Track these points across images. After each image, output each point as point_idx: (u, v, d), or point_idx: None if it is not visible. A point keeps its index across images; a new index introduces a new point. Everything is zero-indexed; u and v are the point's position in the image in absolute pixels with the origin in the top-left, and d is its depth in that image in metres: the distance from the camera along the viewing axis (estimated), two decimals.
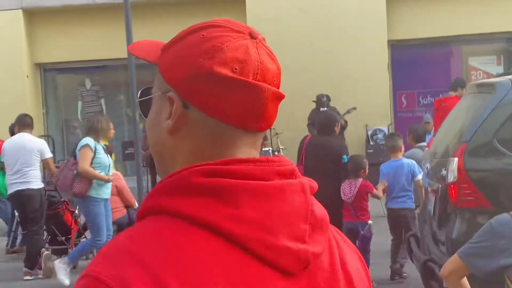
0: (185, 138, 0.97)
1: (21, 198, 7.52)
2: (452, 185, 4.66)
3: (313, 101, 11.56)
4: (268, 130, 6.77)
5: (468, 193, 4.60)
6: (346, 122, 11.49)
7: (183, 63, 0.97)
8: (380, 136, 12.41)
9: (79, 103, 14.13)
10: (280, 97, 1.00)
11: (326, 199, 2.00)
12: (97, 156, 6.82)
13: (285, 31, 12.60)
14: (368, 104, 12.31)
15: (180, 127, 0.97)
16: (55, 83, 14.55)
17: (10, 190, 7.61)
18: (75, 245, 7.84)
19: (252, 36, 0.99)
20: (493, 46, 13.36)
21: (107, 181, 6.92)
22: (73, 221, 8.08)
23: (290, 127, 12.32)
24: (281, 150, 11.71)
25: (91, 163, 6.74)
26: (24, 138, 7.65)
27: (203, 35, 0.97)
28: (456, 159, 4.64)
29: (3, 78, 12.89)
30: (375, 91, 12.43)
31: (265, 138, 11.29)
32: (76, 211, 8.20)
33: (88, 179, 6.72)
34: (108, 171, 6.96)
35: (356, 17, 12.48)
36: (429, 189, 5.40)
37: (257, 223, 0.90)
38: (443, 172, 4.85)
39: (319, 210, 0.98)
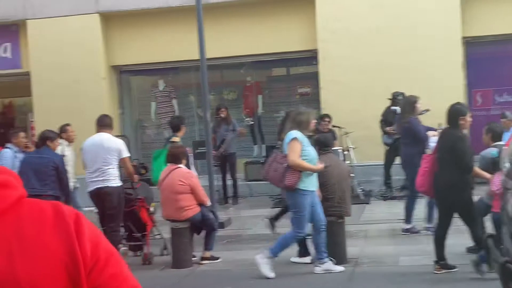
0: None
1: (100, 196, 7.80)
2: None
3: (389, 99, 11.43)
4: (338, 129, 6.82)
5: None
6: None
7: None
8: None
9: (153, 104, 14.48)
10: None
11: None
12: (305, 148, 6.86)
13: (356, 30, 12.51)
14: (442, 102, 11.96)
15: None
16: (130, 85, 14.97)
17: (90, 188, 7.90)
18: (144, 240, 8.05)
19: None
20: None
21: (317, 171, 6.96)
22: (148, 218, 8.31)
23: (360, 126, 12.23)
24: (350, 149, 11.63)
25: (300, 156, 6.79)
26: (103, 137, 7.93)
27: None
28: None
29: (82, 80, 13.37)
30: (449, 89, 12.13)
31: (334, 138, 11.25)
32: (152, 209, 8.42)
33: (298, 172, 6.77)
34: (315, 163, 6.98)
35: (430, 14, 12.24)
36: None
37: None
38: None
39: None
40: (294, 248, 7.69)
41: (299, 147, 6.78)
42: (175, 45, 13.47)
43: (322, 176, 7.34)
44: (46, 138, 8.00)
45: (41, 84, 13.62)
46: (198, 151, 12.05)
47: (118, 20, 13.81)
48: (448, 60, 12.30)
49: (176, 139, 9.05)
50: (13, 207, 1.18)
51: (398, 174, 11.66)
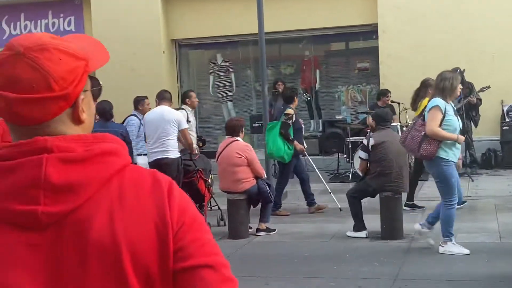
0: None
1: (160, 166, 7.99)
2: None
3: None
4: (397, 105, 6.75)
5: None
6: (480, 100, 11.06)
7: None
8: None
9: (211, 78, 14.65)
10: (36, 99, 1.23)
11: None
12: (447, 118, 6.46)
13: (417, 5, 12.29)
14: (504, 79, 11.78)
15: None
16: (189, 58, 15.16)
17: (150, 159, 8.12)
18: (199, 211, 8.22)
19: (19, 53, 1.24)
20: None
21: (457, 141, 6.52)
22: (206, 189, 8.48)
23: None
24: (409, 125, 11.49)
25: (440, 125, 6.43)
26: (163, 109, 8.12)
27: None
28: None
29: (143, 54, 13.64)
30: (509, 67, 11.83)
31: (393, 113, 11.14)
32: (209, 180, 8.60)
33: (436, 141, 6.44)
34: (458, 133, 6.62)
35: None
36: None
37: None
38: None
39: (68, 178, 1.21)
40: (351, 222, 7.74)
41: (439, 116, 6.39)
42: (233, 19, 13.54)
43: (380, 152, 7.33)
44: (109, 110, 8.24)
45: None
46: (256, 125, 12.16)
47: None
48: (510, 36, 11.95)
49: (290, 111, 9.00)
50: (118, 173, 1.29)
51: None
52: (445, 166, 6.49)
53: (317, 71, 14.19)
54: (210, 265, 1.29)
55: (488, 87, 11.02)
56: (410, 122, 11.39)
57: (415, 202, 8.95)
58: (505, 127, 11.87)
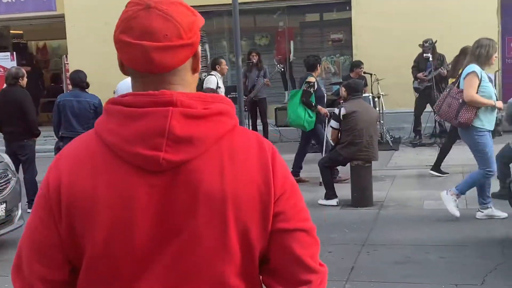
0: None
1: None
2: None
3: (419, 45, 11.37)
4: (370, 76, 6.92)
5: None
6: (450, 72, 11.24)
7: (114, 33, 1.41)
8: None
9: None
10: (172, 47, 1.35)
11: None
12: (483, 84, 6.39)
13: None
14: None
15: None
16: None
17: None
18: None
19: (148, 6, 1.36)
20: None
21: (497, 107, 6.51)
22: None
23: (392, 73, 12.22)
24: (381, 96, 11.67)
25: (477, 92, 6.34)
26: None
27: (123, 11, 1.40)
28: None
29: (114, 22, 13.48)
30: (483, 36, 11.93)
31: (365, 84, 11.28)
32: None
33: (474, 108, 6.36)
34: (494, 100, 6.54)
35: None
36: None
37: (121, 135, 1.34)
38: None
39: (188, 131, 1.34)
40: (323, 190, 7.92)
41: (476, 82, 6.31)
42: None
43: (351, 121, 7.48)
44: (81, 79, 8.22)
45: (75, 26, 13.83)
46: (230, 96, 12.21)
47: None
48: (483, 7, 12.13)
49: (311, 79, 9.01)
50: (229, 132, 1.41)
51: (428, 122, 11.73)
52: (479, 135, 6.44)
53: (291, 42, 14.25)
54: (305, 229, 1.45)
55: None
56: (382, 93, 11.61)
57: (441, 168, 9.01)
58: None
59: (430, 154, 10.70)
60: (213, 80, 8.82)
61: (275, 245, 1.43)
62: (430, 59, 11.17)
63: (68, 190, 1.38)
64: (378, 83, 11.78)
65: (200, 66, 1.46)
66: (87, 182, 1.37)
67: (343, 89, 7.96)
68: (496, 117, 11.60)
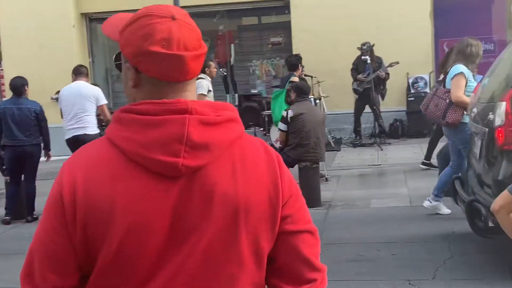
0: (140, 90, 1.45)
1: (78, 143, 7.88)
2: (499, 129, 4.84)
3: (357, 48, 11.64)
4: (310, 78, 7.05)
5: None
6: (388, 74, 11.56)
7: (130, 44, 1.43)
8: (421, 84, 12.47)
9: None
10: (200, 55, 1.44)
11: None
12: (469, 84, 6.38)
13: None
14: (410, 52, 12.33)
15: (137, 84, 1.45)
16: (100, 33, 14.83)
17: (67, 136, 7.98)
18: None
19: (174, 18, 1.41)
20: None
21: None
22: None
23: (331, 75, 12.45)
24: (322, 98, 11.86)
25: (464, 92, 6.34)
26: (80, 85, 7.99)
27: (141, 23, 1.41)
28: (504, 103, 4.80)
29: (51, 28, 13.20)
30: (417, 38, 12.42)
31: None
32: None
33: (461, 109, 6.33)
34: None
35: None
36: (475, 133, 5.56)
37: (139, 142, 1.38)
38: (490, 116, 5.02)
39: (204, 137, 1.39)
40: None
41: (464, 83, 6.32)
42: None
43: (298, 123, 7.58)
44: (22, 86, 8.01)
45: (10, 32, 13.43)
46: None
47: None
48: (417, 10, 12.52)
49: (295, 78, 9.03)
50: (239, 138, 1.47)
51: (367, 122, 12.03)
52: (468, 131, 6.32)
53: (232, 45, 14.30)
54: (310, 231, 1.55)
55: (397, 62, 11.56)
56: (323, 94, 11.81)
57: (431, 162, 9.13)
58: (410, 98, 12.49)
59: (371, 154, 10.98)
60: (205, 85, 8.91)
61: (283, 246, 1.50)
62: (368, 61, 11.47)
63: (85, 198, 1.39)
64: (319, 85, 11.97)
65: None
66: (105, 190, 1.39)
67: (291, 90, 8.06)
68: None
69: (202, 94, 8.61)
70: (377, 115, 11.62)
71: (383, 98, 11.88)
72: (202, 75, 9.59)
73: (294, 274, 1.52)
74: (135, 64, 1.43)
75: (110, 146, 1.42)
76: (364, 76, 11.54)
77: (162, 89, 1.43)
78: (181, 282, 1.42)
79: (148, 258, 1.40)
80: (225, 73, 13.07)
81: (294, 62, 9.27)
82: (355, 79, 11.75)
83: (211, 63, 9.83)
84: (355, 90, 11.87)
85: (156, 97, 1.42)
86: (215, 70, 9.88)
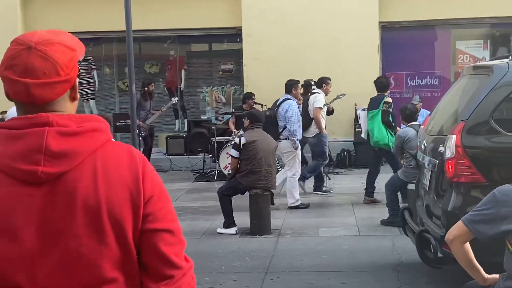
0: (16, 109, 1.64)
1: None
2: (449, 161, 4.96)
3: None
4: (260, 106, 7.18)
5: (464, 168, 4.89)
6: (332, 109, 11.73)
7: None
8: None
9: None
10: (51, 83, 1.57)
11: None
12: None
13: (280, 9, 12.79)
14: (358, 84, 12.60)
15: (13, 101, 1.62)
16: None
17: None
18: None
19: (30, 47, 1.57)
20: (480, 31, 13.66)
21: None
22: None
23: None
24: None
25: None
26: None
27: (8, 48, 1.59)
28: (454, 136, 4.94)
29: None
30: (366, 71, 12.70)
31: None
32: None
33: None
34: None
35: None
36: (425, 164, 5.69)
37: (5, 154, 1.54)
38: (441, 148, 5.15)
39: (63, 147, 1.55)
40: (220, 219, 7.95)
41: None
42: (96, 15, 13.27)
43: (251, 150, 7.60)
44: None
45: None
46: (119, 123, 12.00)
47: None
48: (366, 44, 12.83)
49: (389, 99, 9.17)
50: (102, 146, 1.62)
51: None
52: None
53: (182, 71, 14.29)
54: (171, 230, 1.67)
55: (344, 94, 11.78)
56: None
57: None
58: (358, 129, 12.68)
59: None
60: (321, 99, 9.61)
61: (144, 243, 1.64)
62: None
63: None
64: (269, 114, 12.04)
65: (78, 95, 1.67)
66: None
67: (246, 118, 8.09)
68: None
69: (319, 108, 9.34)
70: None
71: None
72: (318, 90, 9.84)
73: (154, 270, 1.64)
74: (3, 85, 1.60)
75: None
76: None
77: (26, 109, 1.59)
78: (57, 282, 1.55)
79: (23, 258, 1.53)
80: (177, 101, 13.02)
81: (386, 83, 9.44)
82: None
83: (329, 81, 10.16)
84: None
85: (23, 115, 1.59)
86: (330, 88, 10.28)
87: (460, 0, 12.85)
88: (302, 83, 11.88)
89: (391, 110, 9.29)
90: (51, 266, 1.54)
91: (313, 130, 9.88)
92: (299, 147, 9.31)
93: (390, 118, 9.14)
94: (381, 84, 9.61)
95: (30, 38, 1.58)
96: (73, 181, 1.55)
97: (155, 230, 1.63)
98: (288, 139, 9.12)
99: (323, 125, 9.90)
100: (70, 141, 1.56)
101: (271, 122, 9.21)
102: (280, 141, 9.09)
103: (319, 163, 9.96)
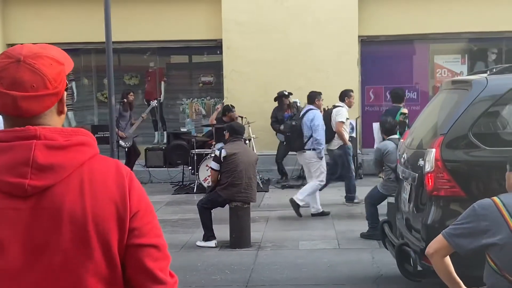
0: (5, 122, 1.63)
1: None
2: (429, 174, 4.99)
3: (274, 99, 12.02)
4: (240, 118, 7.25)
5: (443, 182, 4.93)
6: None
7: None
8: (348, 128, 12.73)
9: None
10: (39, 96, 1.58)
11: None
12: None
13: (260, 22, 12.84)
14: (337, 97, 12.65)
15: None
16: None
17: None
18: None
19: (18, 60, 1.58)
20: (458, 45, 13.84)
21: None
22: None
23: (260, 116, 12.61)
24: (252, 138, 11.96)
25: None
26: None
27: None
28: (433, 150, 4.97)
29: None
30: (345, 84, 12.72)
31: None
32: None
33: None
34: None
35: (330, 12, 12.80)
36: (404, 178, 5.72)
37: None
38: (420, 162, 5.18)
39: (50, 160, 1.55)
40: (200, 232, 7.90)
41: None
42: (75, 27, 13.21)
43: (231, 163, 7.57)
44: None
45: None
46: (98, 135, 11.91)
47: None
48: (345, 57, 12.92)
49: (405, 110, 9.32)
50: (89, 160, 1.62)
51: (294, 165, 12.19)
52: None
53: (162, 83, 14.25)
54: (156, 245, 1.66)
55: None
56: (253, 135, 11.89)
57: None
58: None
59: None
60: (344, 113, 9.71)
61: (129, 258, 1.63)
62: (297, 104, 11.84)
63: None
64: (249, 126, 12.06)
65: (66, 109, 1.68)
66: None
67: (225, 130, 8.07)
68: (358, 161, 12.45)
69: (341, 122, 9.46)
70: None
71: None
72: (341, 104, 10.03)
73: (138, 285, 1.64)
74: None
75: None
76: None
77: (13, 122, 1.60)
78: None
79: (6, 273, 1.53)
80: (156, 105, 12.94)
81: (401, 94, 9.68)
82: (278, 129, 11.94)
83: (352, 93, 10.21)
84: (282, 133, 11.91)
85: (10, 128, 1.60)
86: (353, 100, 10.39)
87: (438, 15, 13.01)
88: (276, 95, 12.07)
89: (407, 121, 9.43)
90: (36, 279, 1.54)
91: (336, 142, 10.01)
92: (324, 156, 9.37)
93: (406, 129, 9.28)
94: (396, 95, 9.82)
95: (19, 51, 1.59)
96: (59, 195, 1.55)
97: (140, 245, 1.63)
98: (313, 149, 9.22)
99: (347, 137, 10.03)
100: (57, 155, 1.56)
101: (297, 133, 9.33)
102: (305, 151, 9.21)
103: (349, 177, 10.06)
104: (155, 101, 12.79)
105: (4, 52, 1.61)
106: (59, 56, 1.64)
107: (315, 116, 9.29)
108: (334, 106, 10.21)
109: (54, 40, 13.28)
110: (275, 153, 12.50)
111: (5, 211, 1.53)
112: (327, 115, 10.13)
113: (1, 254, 1.52)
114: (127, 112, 12.25)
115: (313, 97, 9.73)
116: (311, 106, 9.60)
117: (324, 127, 9.47)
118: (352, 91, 10.49)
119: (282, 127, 11.59)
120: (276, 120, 12.11)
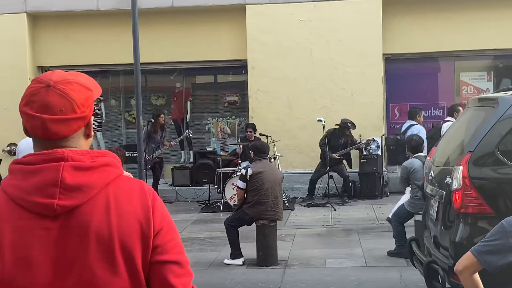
0: (34, 144, 1.71)
1: None
2: (456, 192, 5.00)
3: (336, 125, 12.08)
4: (265, 137, 7.36)
5: (471, 199, 4.93)
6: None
7: None
8: (373, 146, 12.77)
9: None
10: (67, 119, 1.66)
11: None
12: None
13: (284, 42, 12.95)
14: (362, 115, 12.70)
15: (29, 135, 1.71)
16: None
17: None
18: None
19: (48, 85, 1.67)
20: (483, 62, 13.79)
21: None
22: None
23: (285, 135, 12.68)
24: (277, 157, 12.01)
25: None
26: None
27: (29, 86, 1.70)
28: (461, 167, 4.98)
29: (7, 79, 13.08)
30: (370, 102, 12.82)
31: None
32: None
33: None
34: None
35: (354, 30, 12.86)
36: (432, 195, 5.73)
37: (21, 188, 1.62)
38: (448, 179, 5.19)
39: (78, 180, 1.62)
40: (227, 250, 7.96)
41: None
42: (103, 48, 13.46)
43: (257, 181, 7.64)
44: None
45: None
46: (127, 154, 12.09)
47: (46, 20, 13.65)
48: (370, 75, 12.95)
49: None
50: (114, 180, 1.69)
51: (320, 183, 12.22)
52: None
53: (188, 103, 14.41)
54: (179, 262, 1.71)
55: (373, 139, 12.22)
56: (278, 154, 11.95)
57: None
58: (363, 160, 12.75)
59: (324, 214, 11.10)
60: (445, 127, 9.97)
61: (153, 275, 1.69)
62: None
63: None
64: (274, 145, 12.14)
65: (92, 133, 1.75)
66: None
67: (250, 150, 8.16)
68: (384, 179, 12.44)
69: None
70: (345, 176, 12.28)
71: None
72: (450, 119, 10.37)
73: None
74: (22, 120, 1.70)
75: (2, 194, 1.66)
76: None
77: (42, 144, 1.69)
78: None
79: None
80: (190, 135, 13.13)
81: (412, 112, 10.53)
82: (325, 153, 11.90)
83: (460, 108, 10.50)
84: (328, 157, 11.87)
85: (40, 150, 1.68)
86: (421, 118, 11.01)
87: (462, 33, 13.00)
88: (340, 122, 12.14)
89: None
90: None
91: None
92: None
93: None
94: (409, 113, 9.95)
95: (49, 77, 1.68)
96: (86, 214, 1.62)
97: (164, 261, 1.68)
98: None
99: None
100: (84, 175, 1.63)
101: (401, 147, 9.69)
102: None
103: None
104: (188, 131, 12.99)
105: (35, 78, 1.70)
106: (87, 83, 1.71)
107: (420, 131, 9.89)
108: (444, 122, 10.60)
109: (83, 62, 13.59)
110: (300, 172, 12.54)
111: (35, 231, 1.60)
112: (437, 130, 10.39)
113: (32, 272, 1.59)
114: (157, 133, 12.45)
115: (415, 113, 10.36)
116: (412, 122, 10.05)
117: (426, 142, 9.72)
118: (460, 105, 10.83)
119: (333, 154, 11.81)
120: (327, 143, 11.94)
